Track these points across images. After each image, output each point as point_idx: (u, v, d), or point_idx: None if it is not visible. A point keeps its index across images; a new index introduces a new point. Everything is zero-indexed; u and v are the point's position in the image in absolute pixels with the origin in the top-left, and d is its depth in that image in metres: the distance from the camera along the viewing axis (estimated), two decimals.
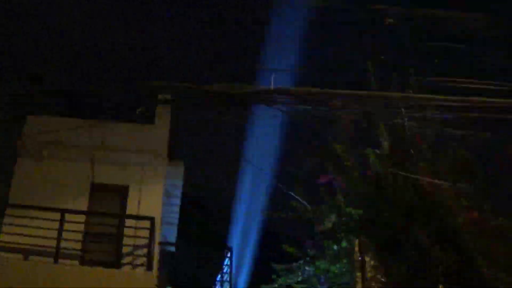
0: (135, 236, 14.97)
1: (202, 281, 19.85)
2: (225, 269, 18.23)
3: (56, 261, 14.27)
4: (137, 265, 14.91)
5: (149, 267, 14.48)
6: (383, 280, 13.42)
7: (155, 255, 15.89)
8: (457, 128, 11.82)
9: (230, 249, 18.26)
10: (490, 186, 13.78)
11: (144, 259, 14.78)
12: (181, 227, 22.12)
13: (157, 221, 15.88)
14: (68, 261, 14.66)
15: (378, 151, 13.28)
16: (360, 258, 13.63)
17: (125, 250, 15.18)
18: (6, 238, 14.44)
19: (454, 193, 12.89)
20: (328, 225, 13.41)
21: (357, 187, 13.57)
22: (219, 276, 19.05)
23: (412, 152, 12.89)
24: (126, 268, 15.02)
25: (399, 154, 13.06)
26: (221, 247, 22.63)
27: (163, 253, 18.81)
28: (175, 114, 17.82)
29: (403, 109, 11.22)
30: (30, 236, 14.21)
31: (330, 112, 10.53)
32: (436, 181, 12.46)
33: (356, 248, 13.67)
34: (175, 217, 20.65)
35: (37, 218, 14.41)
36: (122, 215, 16.00)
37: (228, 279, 17.80)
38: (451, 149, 13.54)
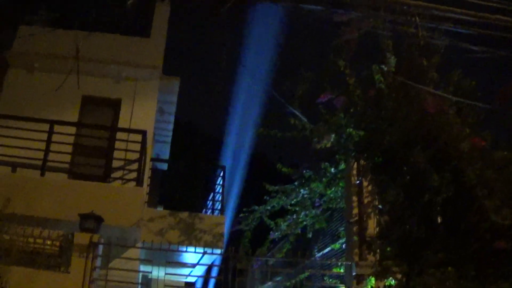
0: (126, 150, 14.56)
1: (194, 201, 19.50)
2: (217, 188, 17.86)
3: (42, 174, 13.84)
4: (127, 180, 14.48)
5: (139, 183, 14.09)
6: (380, 206, 13.17)
7: (146, 171, 15.55)
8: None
9: (223, 168, 17.84)
10: (493, 118, 13.30)
11: (135, 174, 14.34)
12: (174, 147, 21.75)
13: (149, 136, 15.51)
14: (56, 175, 14.20)
15: (384, 67, 12.66)
16: (357, 182, 13.48)
17: (115, 164, 14.79)
18: None
19: (458, 119, 12.39)
20: (327, 144, 12.93)
21: (358, 106, 13.03)
22: (211, 196, 18.70)
23: (425, 62, 12.24)
24: (116, 183, 14.60)
25: (405, 72, 12.48)
26: (214, 166, 22.29)
27: (154, 171, 18.41)
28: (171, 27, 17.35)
29: (417, 18, 10.58)
30: (18, 147, 13.71)
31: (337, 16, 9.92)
32: (445, 95, 11.91)
33: (354, 172, 13.45)
34: (168, 134, 20.24)
35: (26, 129, 13.93)
36: (113, 128, 15.56)
37: (220, 198, 17.47)
38: (457, 76, 12.97)
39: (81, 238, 11.86)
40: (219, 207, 17.24)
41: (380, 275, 12.40)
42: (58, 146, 14.22)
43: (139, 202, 13.58)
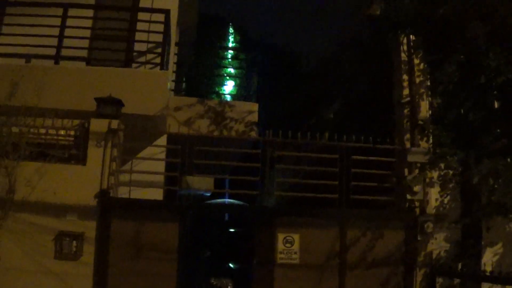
0: (148, 31, 13.13)
1: (221, 93, 18.32)
2: (248, 74, 16.65)
3: (57, 62, 12.51)
4: (155, 65, 13.19)
5: (163, 66, 12.80)
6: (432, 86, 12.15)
7: (171, 56, 14.31)
8: None
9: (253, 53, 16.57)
10: None
11: (158, 57, 13.03)
12: (202, 34, 20.39)
13: (174, 16, 14.06)
14: (73, 63, 12.82)
15: None
16: (407, 59, 12.31)
17: (137, 48, 13.36)
18: (7, 40, 12.41)
19: None
20: (376, 10, 11.64)
21: None
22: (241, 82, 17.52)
23: None
24: (138, 68, 13.28)
25: None
26: (244, 51, 21.03)
27: (181, 60, 17.10)
28: None
29: None
30: (32, 35, 12.20)
31: None
32: None
33: (404, 47, 12.28)
34: (194, 17, 18.76)
35: (38, 15, 12.47)
36: (133, 8, 14.15)
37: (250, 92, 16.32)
38: None
39: (98, 125, 10.82)
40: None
41: (434, 163, 11.51)
42: (74, 32, 12.80)
43: (163, 88, 12.33)
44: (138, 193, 11.62)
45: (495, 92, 11.39)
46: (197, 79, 17.86)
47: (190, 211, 11.33)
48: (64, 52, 12.70)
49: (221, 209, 12.66)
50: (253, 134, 14.05)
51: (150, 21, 13.22)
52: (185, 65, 17.72)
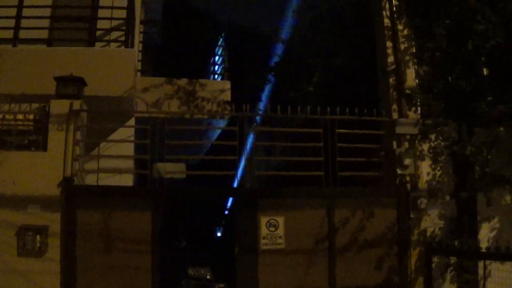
0: (112, 7, 12.45)
1: (193, 69, 17.58)
2: (219, 51, 15.94)
3: (14, 45, 11.85)
4: (121, 43, 12.43)
5: (128, 45, 12.12)
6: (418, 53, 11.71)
7: (136, 34, 13.71)
8: None
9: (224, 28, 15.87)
10: None
11: (123, 36, 12.32)
12: (167, 13, 19.61)
13: None
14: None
15: None
16: (391, 25, 11.65)
17: (101, 26, 12.76)
18: None
19: None
20: None
21: None
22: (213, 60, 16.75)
23: None
24: (102, 46, 12.64)
25: None
26: (214, 27, 20.34)
27: (148, 40, 16.33)
28: None
29: None
30: None
31: None
32: None
33: (387, 12, 11.65)
34: None
35: None
36: None
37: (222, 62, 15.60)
38: None
39: (59, 106, 10.10)
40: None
41: (425, 135, 11.04)
42: (33, 12, 12.16)
43: (129, 67, 11.68)
44: (107, 180, 10.99)
45: (483, 58, 11.03)
46: (166, 60, 17.11)
47: (164, 197, 10.63)
48: (23, 34, 12.14)
49: (198, 193, 11.85)
50: (227, 113, 13.42)
51: None
52: (152, 45, 17.01)
